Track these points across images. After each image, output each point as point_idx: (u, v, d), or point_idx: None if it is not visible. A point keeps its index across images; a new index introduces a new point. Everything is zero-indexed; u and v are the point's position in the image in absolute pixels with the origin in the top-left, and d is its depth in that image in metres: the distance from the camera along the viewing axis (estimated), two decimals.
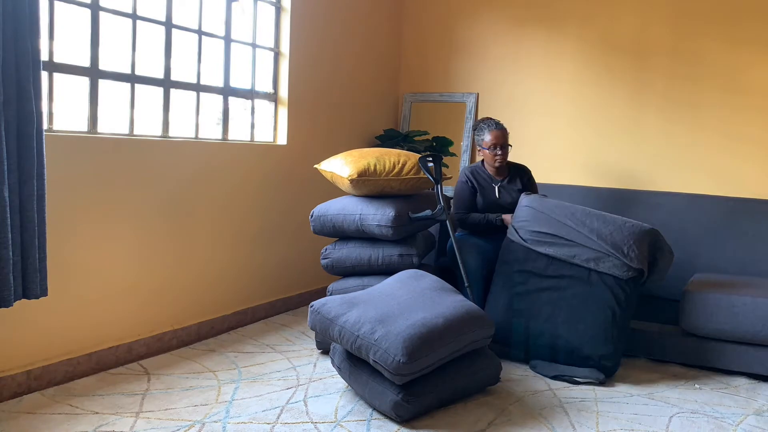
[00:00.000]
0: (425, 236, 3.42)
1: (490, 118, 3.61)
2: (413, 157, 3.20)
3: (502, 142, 3.49)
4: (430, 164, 3.18)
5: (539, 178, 4.32)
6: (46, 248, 2.35)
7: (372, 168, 3.10)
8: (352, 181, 3.09)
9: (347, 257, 3.17)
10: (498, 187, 3.53)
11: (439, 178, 3.18)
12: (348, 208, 3.16)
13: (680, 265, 3.66)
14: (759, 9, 3.77)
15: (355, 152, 3.23)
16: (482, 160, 3.62)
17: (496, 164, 3.51)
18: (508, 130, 3.56)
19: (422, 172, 3.15)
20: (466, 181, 3.56)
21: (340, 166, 3.15)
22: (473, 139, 4.59)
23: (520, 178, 3.61)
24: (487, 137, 3.50)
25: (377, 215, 3.06)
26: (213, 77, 3.42)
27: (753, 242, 3.55)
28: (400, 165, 3.13)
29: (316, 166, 3.34)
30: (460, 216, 3.55)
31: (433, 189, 3.41)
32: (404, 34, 4.86)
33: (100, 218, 2.75)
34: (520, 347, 3.11)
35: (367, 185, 3.12)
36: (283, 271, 3.86)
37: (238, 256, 3.51)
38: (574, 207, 3.12)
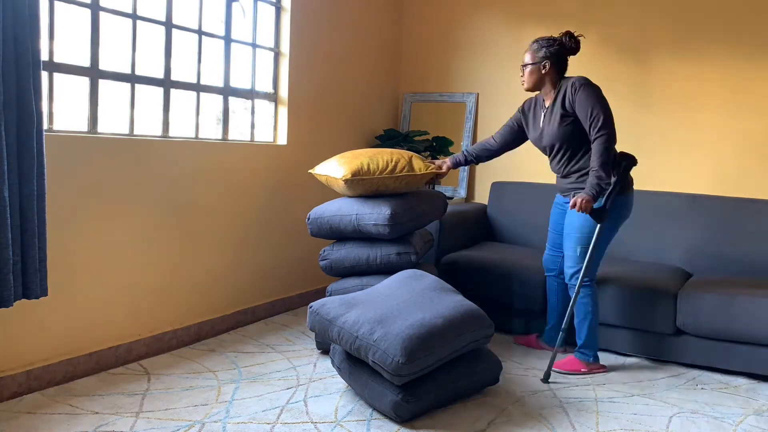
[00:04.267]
0: (423, 234, 3.42)
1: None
2: (406, 155, 3.20)
3: (522, 63, 3.03)
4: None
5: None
6: (46, 248, 2.34)
7: (365, 167, 3.10)
8: (346, 181, 3.10)
9: (345, 258, 3.17)
10: (544, 115, 3.02)
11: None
12: (344, 208, 3.16)
13: (680, 265, 3.68)
14: (760, 9, 3.77)
15: (348, 154, 3.23)
16: None
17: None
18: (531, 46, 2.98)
19: (415, 170, 3.16)
20: (516, 113, 3.21)
21: (334, 168, 3.16)
22: (474, 137, 4.59)
23: (563, 97, 2.90)
24: None
25: (373, 214, 3.07)
26: (213, 77, 3.42)
27: (753, 242, 3.55)
28: (393, 163, 3.13)
29: (310, 171, 3.34)
30: None
31: (431, 186, 3.42)
32: (404, 34, 4.86)
33: (100, 218, 2.75)
34: None
35: (362, 185, 3.12)
36: (283, 270, 3.86)
37: (238, 255, 3.51)
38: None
